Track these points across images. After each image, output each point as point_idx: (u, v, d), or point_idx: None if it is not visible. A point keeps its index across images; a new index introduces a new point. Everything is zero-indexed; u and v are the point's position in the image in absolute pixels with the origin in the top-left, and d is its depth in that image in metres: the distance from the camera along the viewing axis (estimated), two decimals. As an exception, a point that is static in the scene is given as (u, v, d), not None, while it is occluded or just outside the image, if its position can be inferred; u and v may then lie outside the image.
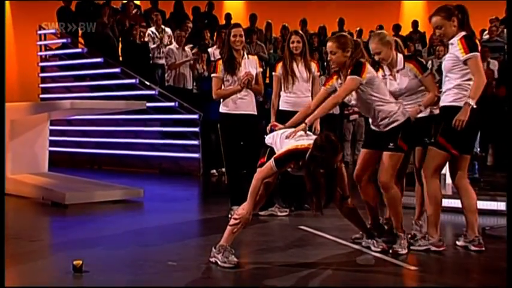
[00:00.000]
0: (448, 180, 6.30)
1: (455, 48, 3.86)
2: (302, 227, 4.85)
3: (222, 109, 5.29)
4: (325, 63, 10.44)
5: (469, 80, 3.84)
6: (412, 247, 4.04)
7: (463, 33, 3.89)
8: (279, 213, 5.34)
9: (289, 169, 3.73)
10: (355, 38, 11.90)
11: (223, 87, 5.25)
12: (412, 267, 3.67)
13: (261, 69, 5.44)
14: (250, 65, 5.27)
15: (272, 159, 3.62)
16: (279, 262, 3.77)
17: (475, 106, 3.79)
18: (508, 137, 3.83)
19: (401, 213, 4.04)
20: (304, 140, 3.65)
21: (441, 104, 3.96)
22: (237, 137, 5.26)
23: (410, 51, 10.99)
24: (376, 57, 4.14)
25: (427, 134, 4.09)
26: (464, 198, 4.07)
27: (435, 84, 4.20)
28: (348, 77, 3.87)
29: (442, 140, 3.90)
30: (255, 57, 5.48)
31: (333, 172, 3.55)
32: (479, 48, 3.87)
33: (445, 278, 3.56)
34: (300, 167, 3.61)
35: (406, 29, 12.28)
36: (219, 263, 3.60)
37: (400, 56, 4.17)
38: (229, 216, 5.16)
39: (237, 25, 5.31)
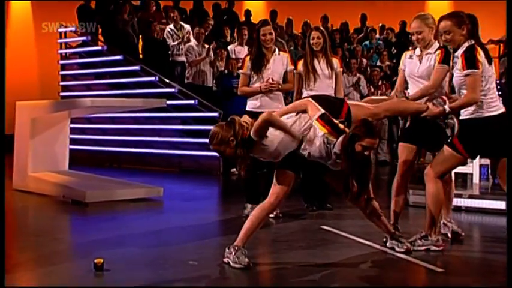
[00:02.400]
0: (475, 180, 6.27)
1: (460, 64, 3.85)
2: (324, 227, 4.84)
3: (247, 107, 5.31)
4: (348, 60, 10.40)
5: (482, 91, 3.82)
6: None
7: (466, 44, 3.87)
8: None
9: (309, 153, 3.68)
10: (377, 34, 11.98)
11: (250, 84, 5.25)
12: (438, 269, 3.64)
13: (293, 67, 5.34)
14: (279, 62, 5.24)
15: (320, 111, 3.64)
16: (301, 262, 3.77)
17: (448, 111, 3.84)
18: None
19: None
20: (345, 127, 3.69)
21: (460, 117, 3.94)
22: None
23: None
24: (415, 37, 4.20)
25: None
26: None
27: (437, 78, 4.11)
28: None
29: (456, 142, 3.89)
30: (287, 54, 5.44)
31: (368, 158, 3.57)
32: (481, 61, 3.81)
33: (470, 280, 3.52)
34: (330, 145, 3.59)
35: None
36: (231, 263, 3.62)
37: (436, 43, 4.20)
38: (244, 214, 5.18)
39: (266, 23, 5.27)
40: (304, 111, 3.71)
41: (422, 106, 3.96)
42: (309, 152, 3.67)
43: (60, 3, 11.75)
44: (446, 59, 4.12)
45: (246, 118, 3.67)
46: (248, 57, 5.28)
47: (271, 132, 3.60)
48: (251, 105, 5.24)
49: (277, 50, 5.29)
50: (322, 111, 3.66)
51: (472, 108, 3.85)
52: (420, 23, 4.18)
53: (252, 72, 5.21)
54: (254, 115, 5.17)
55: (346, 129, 3.60)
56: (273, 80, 5.14)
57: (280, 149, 3.64)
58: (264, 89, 5.13)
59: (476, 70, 3.79)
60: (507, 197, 3.94)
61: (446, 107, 3.86)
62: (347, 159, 3.55)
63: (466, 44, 3.87)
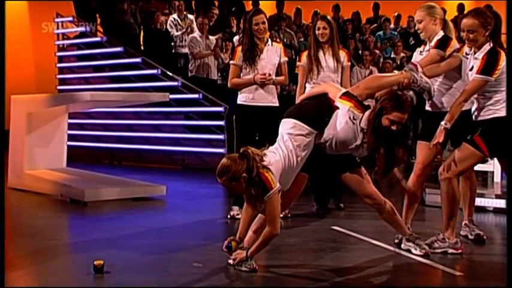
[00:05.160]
0: (496, 178, 6.24)
1: (477, 66, 3.84)
2: (335, 228, 4.83)
3: (239, 100, 5.27)
4: (360, 52, 10.36)
5: (500, 90, 3.83)
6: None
7: (488, 47, 3.86)
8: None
9: (332, 140, 3.69)
10: (392, 24, 11.91)
11: (241, 75, 5.21)
12: (457, 273, 3.62)
13: (286, 59, 5.34)
14: (273, 53, 5.21)
15: (342, 90, 3.75)
16: (310, 265, 3.76)
17: (447, 127, 3.83)
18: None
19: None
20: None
21: (480, 118, 3.93)
22: (252, 131, 5.18)
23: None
24: (416, 26, 4.24)
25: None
26: None
27: (425, 62, 4.08)
28: None
29: (479, 140, 3.87)
30: (280, 45, 5.41)
31: (400, 134, 3.59)
32: (500, 69, 3.80)
33: (491, 285, 3.51)
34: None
35: (450, 13, 12.05)
36: (236, 265, 3.63)
37: (441, 32, 4.19)
38: (228, 216, 5.18)
39: (259, 11, 5.21)
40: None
41: (399, 76, 3.95)
42: (332, 138, 3.66)
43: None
44: (441, 45, 4.11)
45: (256, 150, 3.57)
46: (239, 48, 5.21)
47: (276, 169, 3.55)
48: (243, 97, 5.21)
49: (269, 40, 5.25)
50: (344, 90, 3.74)
51: (495, 107, 3.85)
52: (421, 12, 4.20)
53: (245, 64, 5.16)
54: (246, 108, 5.20)
55: (371, 105, 3.64)
56: (270, 75, 5.11)
57: (288, 177, 3.65)
58: (258, 80, 5.09)
59: (489, 78, 3.79)
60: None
61: (444, 124, 3.81)
62: (373, 134, 3.55)
63: (487, 47, 3.86)
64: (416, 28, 4.28)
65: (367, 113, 3.61)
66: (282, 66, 5.29)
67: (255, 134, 5.23)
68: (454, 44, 4.14)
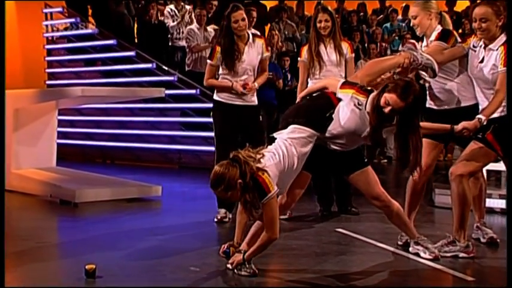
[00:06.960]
0: (510, 178, 6.23)
1: (499, 56, 3.83)
2: (339, 230, 4.84)
3: (215, 96, 5.25)
4: (366, 45, 10.36)
5: None
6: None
7: (504, 38, 3.87)
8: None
9: (339, 134, 3.70)
10: (400, 15, 11.92)
11: (219, 74, 5.18)
12: (468, 278, 3.63)
13: (268, 54, 5.33)
14: (254, 52, 5.15)
15: (340, 80, 3.87)
16: (313, 269, 3.77)
17: (483, 120, 3.82)
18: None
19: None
20: None
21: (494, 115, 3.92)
22: (231, 130, 5.15)
23: (464, 30, 10.82)
24: (412, 22, 4.27)
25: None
26: None
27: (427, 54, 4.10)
28: None
29: (491, 139, 3.87)
30: (262, 40, 5.35)
31: (404, 125, 3.60)
32: None
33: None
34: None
35: (463, 4, 12.06)
36: (235, 269, 3.63)
37: (439, 27, 4.21)
38: (215, 220, 5.18)
39: (237, 7, 5.10)
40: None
41: (399, 58, 3.96)
42: (341, 132, 3.66)
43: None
44: (443, 37, 4.12)
45: (249, 152, 3.54)
46: (219, 48, 5.12)
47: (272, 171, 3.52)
48: (222, 95, 5.18)
49: (251, 36, 5.18)
50: (342, 80, 3.85)
51: (503, 104, 3.86)
52: (415, 8, 4.24)
53: (223, 64, 5.09)
54: (223, 106, 5.15)
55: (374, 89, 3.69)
56: (251, 87, 5.08)
57: (285, 181, 3.65)
58: (239, 91, 5.05)
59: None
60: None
61: (483, 118, 3.80)
62: (374, 111, 3.57)
63: (503, 37, 3.86)
64: (411, 24, 4.33)
65: (372, 95, 3.63)
66: (263, 62, 5.26)
67: (235, 133, 5.17)
68: (456, 38, 4.16)
